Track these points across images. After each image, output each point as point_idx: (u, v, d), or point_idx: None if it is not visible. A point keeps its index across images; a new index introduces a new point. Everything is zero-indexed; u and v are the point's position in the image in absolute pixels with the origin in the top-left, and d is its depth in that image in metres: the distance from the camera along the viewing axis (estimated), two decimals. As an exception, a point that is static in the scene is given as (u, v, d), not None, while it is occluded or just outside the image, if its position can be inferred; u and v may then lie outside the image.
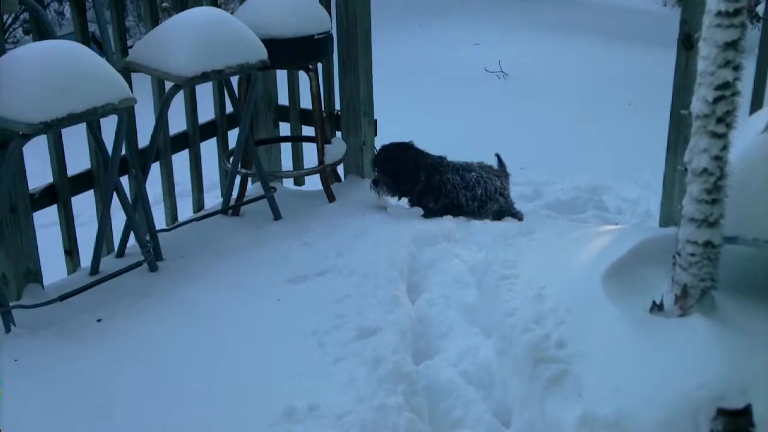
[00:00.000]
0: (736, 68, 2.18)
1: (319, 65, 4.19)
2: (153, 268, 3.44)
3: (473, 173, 4.05)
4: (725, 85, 2.18)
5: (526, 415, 2.37)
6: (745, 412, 2.02)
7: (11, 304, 3.06)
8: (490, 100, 7.20)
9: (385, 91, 4.43)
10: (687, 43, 3.16)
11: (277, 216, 3.98)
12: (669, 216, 3.37)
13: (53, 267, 3.47)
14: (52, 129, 2.92)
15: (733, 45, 2.16)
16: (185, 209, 4.17)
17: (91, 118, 3.09)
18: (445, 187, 3.99)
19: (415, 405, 2.48)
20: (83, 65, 2.97)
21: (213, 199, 4.36)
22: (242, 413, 2.51)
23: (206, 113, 4.19)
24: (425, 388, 2.58)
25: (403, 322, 2.88)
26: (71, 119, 2.89)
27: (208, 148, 4.25)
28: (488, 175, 4.10)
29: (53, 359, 2.82)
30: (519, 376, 2.46)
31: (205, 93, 4.11)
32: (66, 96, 2.87)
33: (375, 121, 4.38)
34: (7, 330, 2.97)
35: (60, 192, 3.46)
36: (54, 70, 2.90)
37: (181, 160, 4.07)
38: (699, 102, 2.22)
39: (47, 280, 3.36)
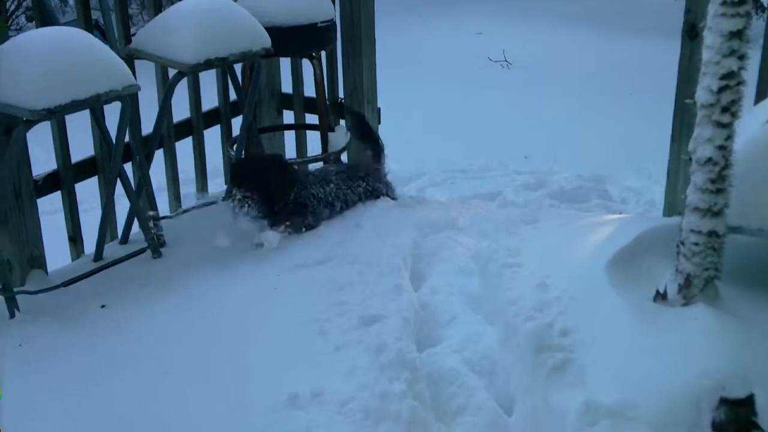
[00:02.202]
0: (741, 58, 2.18)
1: (323, 53, 4.19)
2: (156, 255, 3.45)
3: (331, 185, 3.69)
4: (730, 75, 2.18)
5: (529, 403, 2.38)
6: (748, 402, 2.03)
7: (15, 289, 3.06)
8: (493, 89, 7.19)
9: (387, 80, 4.42)
10: (691, 33, 3.15)
11: (280, 204, 3.98)
12: (673, 205, 3.37)
13: (57, 253, 3.47)
14: (56, 115, 2.92)
15: (737, 34, 2.15)
16: (189, 196, 4.17)
17: (95, 105, 3.10)
18: (312, 204, 3.61)
19: (418, 392, 2.48)
20: (86, 52, 2.97)
21: (216, 186, 4.36)
22: (245, 400, 2.52)
23: (210, 101, 4.19)
24: (428, 375, 2.58)
25: (406, 309, 2.88)
26: (75, 106, 2.89)
27: (212, 136, 4.25)
28: (349, 182, 3.75)
29: (57, 345, 2.83)
30: (522, 364, 2.46)
31: (208, 80, 4.11)
32: (69, 82, 2.87)
33: (378, 109, 4.37)
34: (12, 315, 2.98)
35: (64, 178, 3.46)
36: (57, 56, 2.89)
37: (184, 147, 4.07)
38: (704, 91, 2.22)
39: (51, 266, 3.36)
